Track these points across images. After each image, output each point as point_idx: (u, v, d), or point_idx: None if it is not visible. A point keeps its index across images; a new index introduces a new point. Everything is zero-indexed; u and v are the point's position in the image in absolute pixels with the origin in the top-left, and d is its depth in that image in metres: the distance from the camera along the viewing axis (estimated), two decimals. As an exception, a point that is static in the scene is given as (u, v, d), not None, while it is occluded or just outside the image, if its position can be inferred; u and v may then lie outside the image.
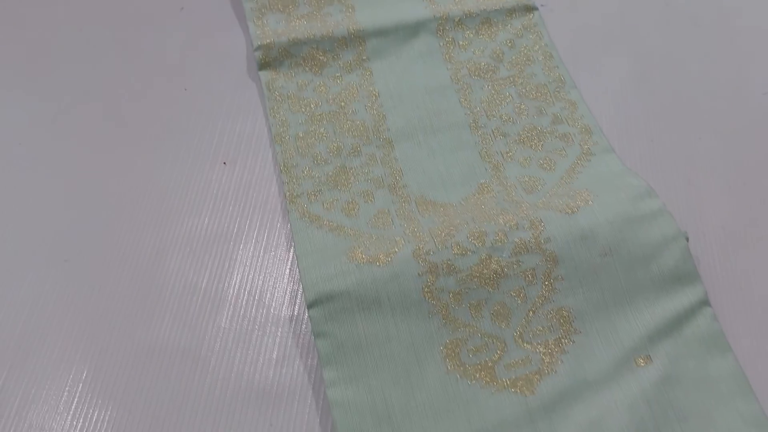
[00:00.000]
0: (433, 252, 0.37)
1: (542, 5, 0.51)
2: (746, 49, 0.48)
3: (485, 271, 0.36)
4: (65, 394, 0.37)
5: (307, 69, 0.48)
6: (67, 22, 0.52)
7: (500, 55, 0.48)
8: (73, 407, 0.36)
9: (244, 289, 0.40)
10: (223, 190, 0.44)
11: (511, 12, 0.49)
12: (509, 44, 0.48)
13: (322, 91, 0.47)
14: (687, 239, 0.37)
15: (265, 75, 0.47)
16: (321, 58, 0.48)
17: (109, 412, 0.36)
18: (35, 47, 0.52)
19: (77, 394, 0.37)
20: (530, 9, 0.50)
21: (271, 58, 0.48)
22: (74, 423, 0.36)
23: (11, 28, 0.53)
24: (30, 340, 0.38)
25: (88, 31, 0.52)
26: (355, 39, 0.48)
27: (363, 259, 0.37)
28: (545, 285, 0.36)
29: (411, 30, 0.49)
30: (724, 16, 0.50)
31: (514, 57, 0.48)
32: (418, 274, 0.36)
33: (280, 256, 0.41)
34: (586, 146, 0.43)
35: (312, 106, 0.46)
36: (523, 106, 0.45)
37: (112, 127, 0.47)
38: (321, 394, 0.36)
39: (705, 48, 0.48)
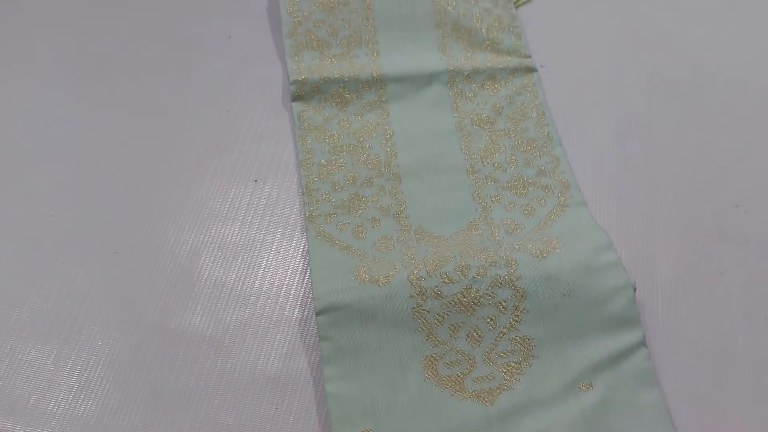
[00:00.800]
0: (424, 278, 0.44)
1: (542, 66, 0.58)
2: (715, 123, 0.55)
3: (465, 299, 0.44)
4: (110, 364, 0.45)
5: (333, 104, 0.55)
6: (129, 41, 0.60)
7: (500, 109, 0.55)
8: (115, 375, 0.44)
9: (264, 292, 0.48)
10: (253, 205, 0.52)
11: (514, 71, 0.57)
12: (509, 100, 0.55)
13: (344, 126, 0.54)
14: (635, 289, 0.45)
15: (297, 106, 0.55)
16: (346, 96, 0.55)
17: (145, 384, 0.44)
18: (98, 59, 0.59)
19: (120, 367, 0.44)
20: (530, 70, 0.57)
21: (303, 92, 0.55)
22: (116, 389, 0.44)
23: (79, 39, 0.60)
24: (83, 319, 0.46)
25: (146, 49, 0.59)
26: (377, 82, 0.56)
27: (366, 278, 0.45)
28: (513, 315, 0.44)
29: (426, 79, 0.56)
30: (699, 91, 0.57)
31: (511, 112, 0.55)
32: (410, 296, 0.44)
33: (296, 266, 0.49)
34: (562, 198, 0.50)
35: (335, 137, 0.54)
36: (514, 157, 0.53)
37: (160, 138, 0.55)
38: (320, 387, 0.44)
39: (678, 118, 0.56)
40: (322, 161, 0.52)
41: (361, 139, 0.54)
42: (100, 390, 0.44)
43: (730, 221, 0.50)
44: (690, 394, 0.44)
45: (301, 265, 0.49)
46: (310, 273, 0.46)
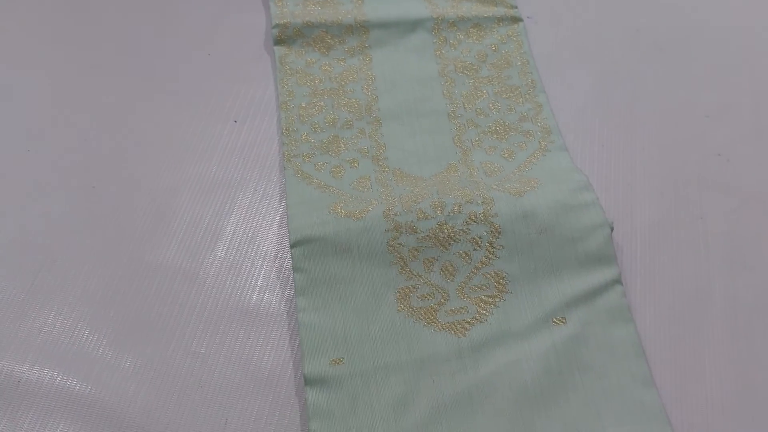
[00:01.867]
0: (400, 214, 0.44)
1: (528, 17, 0.58)
2: (699, 76, 0.55)
3: (440, 234, 0.44)
4: (82, 295, 0.44)
5: (316, 49, 0.55)
6: (113, -16, 0.60)
7: (484, 56, 0.55)
8: (87, 306, 0.44)
9: (240, 228, 0.47)
10: (232, 144, 0.51)
11: (500, 20, 0.56)
12: (493, 48, 0.55)
13: (326, 70, 0.54)
14: (612, 229, 0.44)
15: (279, 50, 0.54)
16: (329, 41, 0.55)
17: (117, 312, 0.44)
18: (83, 3, 0.59)
19: (93, 297, 0.44)
20: (516, 20, 0.57)
21: (285, 36, 0.55)
22: (86, 321, 0.43)
23: (63, -18, 0.60)
24: (58, 250, 0.46)
25: (130, -7, 0.59)
26: (361, 28, 0.55)
27: (342, 213, 0.44)
28: (488, 251, 0.44)
29: (410, 26, 0.56)
30: (684, 45, 0.57)
31: (495, 60, 0.55)
32: (385, 230, 0.44)
33: (273, 205, 0.49)
34: (543, 143, 0.50)
35: (316, 81, 0.53)
36: (496, 103, 0.52)
37: (143, 78, 0.54)
38: (293, 318, 0.44)
39: (663, 71, 0.55)
40: (303, 104, 0.52)
41: (343, 83, 0.53)
42: (71, 318, 0.43)
43: (712, 169, 0.50)
44: (665, 333, 0.43)
45: (277, 204, 0.49)
46: (287, 208, 0.46)
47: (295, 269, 0.43)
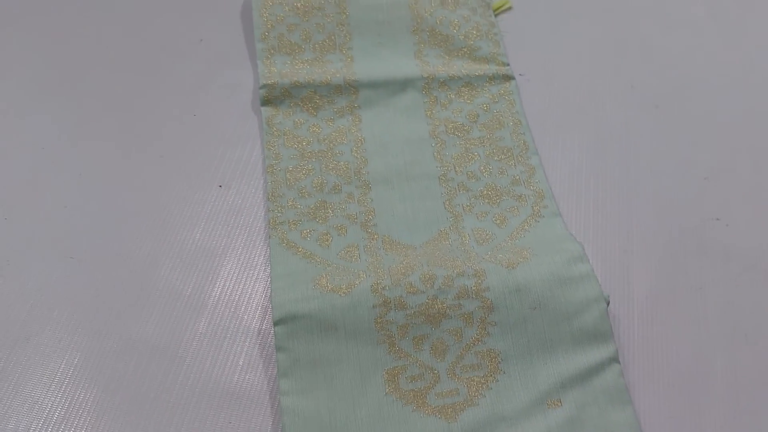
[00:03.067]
0: (388, 288, 0.42)
1: (521, 74, 0.57)
2: (696, 136, 0.54)
3: (430, 310, 0.42)
4: (58, 375, 0.42)
5: (304, 109, 0.54)
6: (97, 42, 0.59)
7: (475, 117, 0.54)
8: (63, 387, 0.42)
9: (222, 301, 0.46)
10: (216, 210, 0.50)
11: (491, 79, 0.55)
12: (485, 108, 0.54)
13: (314, 131, 0.53)
14: (608, 303, 0.43)
15: (266, 111, 0.53)
16: (318, 101, 0.54)
17: (93, 395, 0.42)
18: (67, 60, 0.58)
19: (68, 377, 0.42)
20: (508, 78, 0.56)
21: (273, 97, 0.54)
22: (63, 401, 0.41)
23: (48, 36, 0.59)
24: (33, 325, 0.44)
25: (116, 51, 0.58)
26: (350, 88, 0.54)
27: (327, 287, 0.43)
28: (480, 328, 0.42)
29: (400, 85, 0.55)
30: (680, 103, 0.56)
31: (487, 120, 0.53)
32: (373, 305, 0.42)
33: (257, 275, 0.47)
34: (536, 208, 0.49)
35: (304, 143, 0.52)
36: (488, 166, 0.51)
37: (125, 140, 0.53)
38: (276, 401, 0.42)
39: (659, 130, 0.54)
40: (289, 167, 0.51)
41: (331, 145, 0.52)
42: (45, 400, 0.41)
43: (711, 234, 0.49)
44: (665, 414, 0.41)
45: (262, 274, 0.47)
46: (271, 281, 0.44)
47: (278, 349, 0.41)
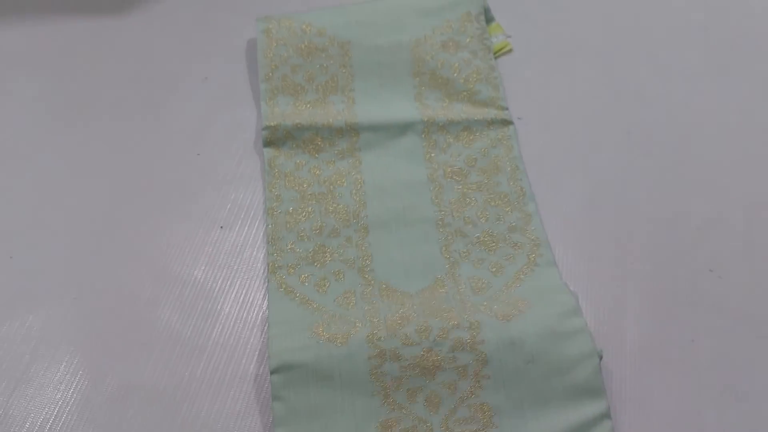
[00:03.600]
0: (384, 339, 0.43)
1: (519, 118, 0.58)
2: (690, 185, 0.54)
3: (425, 362, 0.43)
4: (58, 417, 0.43)
5: (305, 151, 0.54)
6: (103, 81, 0.60)
7: (474, 161, 0.54)
8: (60, 429, 0.43)
9: (221, 344, 0.46)
10: (216, 252, 0.51)
11: (490, 123, 0.56)
12: (483, 153, 0.55)
13: (315, 173, 0.53)
14: (601, 357, 0.43)
15: (268, 152, 0.54)
16: (319, 143, 0.55)
17: (91, 439, 0.42)
18: (72, 99, 0.59)
19: (68, 419, 0.43)
20: (507, 123, 0.56)
21: (275, 138, 0.54)
22: (61, 444, 0.42)
23: (55, 77, 0.60)
24: (35, 366, 0.45)
25: (121, 89, 0.59)
26: (351, 130, 0.55)
27: (324, 336, 0.43)
28: (474, 381, 0.43)
29: (400, 129, 0.55)
30: (676, 151, 0.56)
31: (485, 165, 0.54)
32: (368, 357, 0.43)
33: (255, 318, 0.48)
34: (532, 257, 0.49)
35: (305, 185, 0.53)
36: (485, 212, 0.52)
37: (128, 179, 0.54)
38: (271, 448, 0.42)
39: (654, 178, 0.55)
40: (290, 209, 0.51)
41: (331, 187, 0.53)
42: (43, 444, 0.42)
43: (704, 286, 0.49)
44: (655, 469, 0.42)
45: (260, 317, 0.48)
46: (268, 327, 0.45)
47: (275, 398, 0.42)
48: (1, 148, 0.56)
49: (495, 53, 0.62)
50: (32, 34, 0.62)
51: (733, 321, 0.48)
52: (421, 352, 0.43)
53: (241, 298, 0.49)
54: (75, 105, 0.58)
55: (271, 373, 0.42)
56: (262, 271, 0.50)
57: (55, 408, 0.43)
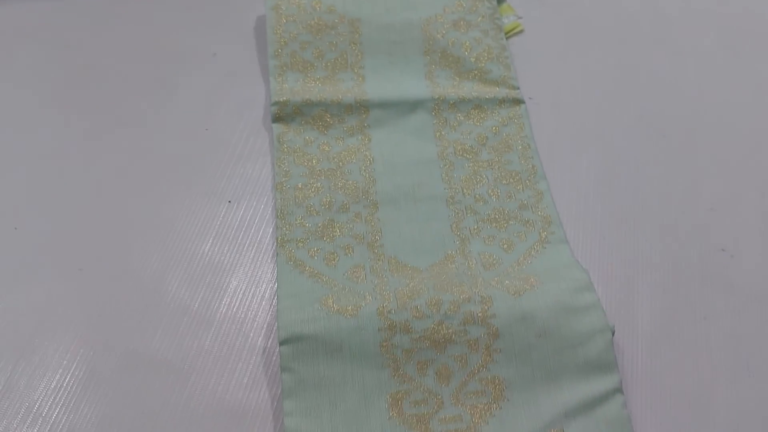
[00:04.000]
0: (395, 312, 0.43)
1: (530, 98, 0.57)
2: (703, 166, 0.54)
3: (436, 335, 0.42)
4: (63, 387, 0.43)
5: (314, 127, 0.54)
6: (111, 53, 0.59)
7: (484, 139, 0.54)
8: (68, 400, 0.42)
9: (229, 317, 0.46)
10: (224, 226, 0.50)
11: (501, 102, 0.56)
12: (494, 131, 0.54)
13: (324, 150, 0.53)
14: (613, 333, 0.43)
15: (277, 128, 0.54)
16: (328, 119, 0.54)
17: (98, 408, 0.42)
18: (79, 71, 0.58)
19: (73, 390, 0.42)
20: (518, 102, 0.56)
21: (284, 114, 0.54)
22: (68, 414, 0.42)
23: (62, 50, 0.60)
24: (40, 337, 0.44)
25: (128, 63, 0.59)
26: (361, 107, 0.55)
27: (333, 308, 0.43)
28: (485, 354, 0.42)
29: (410, 106, 0.55)
30: (688, 134, 0.56)
31: (496, 143, 0.54)
32: (378, 329, 0.42)
33: (264, 292, 0.47)
34: (543, 234, 0.49)
35: (314, 161, 0.52)
36: (496, 189, 0.51)
37: (135, 153, 0.53)
38: (279, 421, 0.42)
39: (667, 159, 0.54)
40: (299, 185, 0.51)
41: (341, 163, 0.52)
42: (50, 415, 0.42)
43: (716, 265, 0.49)
44: (667, 446, 0.42)
45: (269, 291, 0.47)
46: (277, 300, 0.45)
47: (283, 369, 0.41)
48: (8, 120, 0.55)
49: (506, 33, 0.61)
50: (42, 9, 0.62)
51: (746, 299, 0.47)
52: (432, 325, 0.42)
53: (250, 272, 0.48)
54: (83, 78, 0.58)
55: (280, 344, 0.42)
56: (270, 245, 0.49)
57: (60, 378, 0.43)
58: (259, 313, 0.46)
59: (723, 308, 0.47)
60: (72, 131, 0.55)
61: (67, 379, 0.43)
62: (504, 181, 0.52)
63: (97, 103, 0.56)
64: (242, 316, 0.46)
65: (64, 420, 0.41)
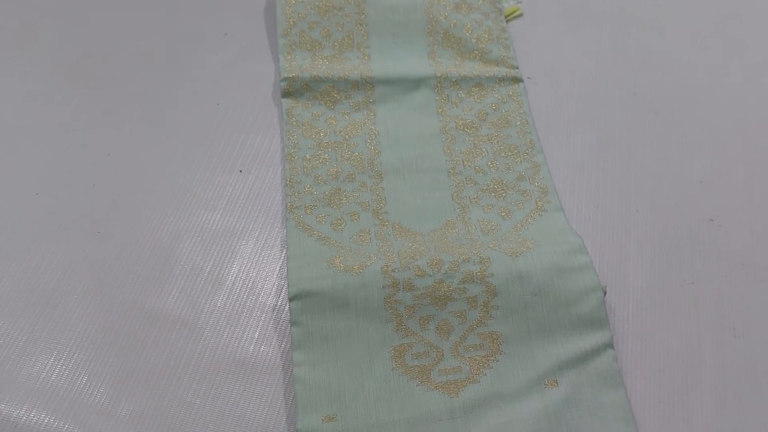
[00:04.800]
0: (398, 270, 0.45)
1: (528, 77, 0.60)
2: (693, 141, 0.57)
3: (437, 292, 0.45)
4: (83, 340, 0.45)
5: (322, 102, 0.56)
6: (128, 32, 0.62)
7: (484, 115, 0.56)
8: (88, 351, 0.45)
9: (240, 278, 0.48)
10: (236, 194, 0.53)
11: (501, 80, 0.58)
12: (494, 107, 0.57)
13: (331, 123, 0.55)
14: (605, 293, 0.45)
15: (286, 102, 0.56)
16: (335, 95, 0.57)
17: (116, 359, 0.44)
18: (97, 48, 0.61)
19: (92, 342, 0.45)
20: (517, 80, 0.58)
21: (293, 89, 0.56)
22: (88, 363, 0.44)
23: (80, 29, 0.62)
24: (61, 293, 0.47)
25: (144, 41, 0.61)
26: (366, 84, 0.57)
27: (341, 267, 0.45)
28: (483, 311, 0.44)
29: (414, 83, 0.57)
30: (679, 111, 0.58)
31: (495, 119, 0.56)
32: (383, 286, 0.44)
33: (274, 255, 0.50)
34: (540, 203, 0.51)
35: (321, 134, 0.55)
36: (495, 162, 0.54)
37: (152, 126, 0.56)
38: (288, 371, 0.44)
39: (659, 135, 0.57)
40: (307, 156, 0.53)
41: (347, 136, 0.55)
42: (70, 364, 0.44)
43: (704, 234, 0.51)
44: (655, 398, 0.44)
45: (278, 254, 0.50)
46: (287, 260, 0.47)
47: (293, 323, 0.44)
48: (31, 93, 0.57)
49: (506, 17, 0.64)
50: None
51: (732, 266, 0.50)
52: (433, 283, 0.45)
53: (260, 237, 0.50)
54: (101, 54, 0.60)
55: (290, 300, 0.44)
56: (279, 212, 0.52)
57: (82, 331, 0.45)
58: (269, 275, 0.49)
59: (710, 273, 0.49)
60: (91, 104, 0.57)
61: (87, 332, 0.45)
62: (503, 154, 0.54)
63: (115, 78, 0.59)
64: (253, 277, 0.49)
65: (85, 369, 0.44)
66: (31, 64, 0.59)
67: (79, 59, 0.60)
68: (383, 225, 0.50)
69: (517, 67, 0.59)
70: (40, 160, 0.54)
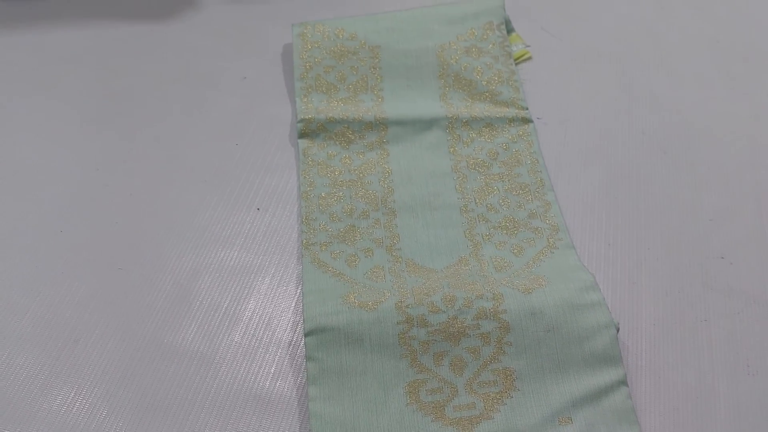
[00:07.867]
0: (412, 306, 0.46)
1: (538, 118, 0.61)
2: (702, 179, 0.57)
3: (450, 328, 0.45)
4: (103, 375, 0.46)
5: (337, 143, 0.58)
6: (149, 77, 0.64)
7: (495, 154, 0.58)
8: (108, 386, 0.45)
9: (257, 314, 0.49)
10: (253, 231, 0.54)
11: (511, 121, 0.60)
12: (504, 147, 0.58)
13: (346, 162, 0.57)
14: (618, 329, 0.46)
15: (302, 143, 0.58)
16: (350, 135, 0.58)
17: (135, 394, 0.45)
18: (119, 92, 0.63)
19: (112, 377, 0.46)
20: (527, 121, 0.60)
21: (309, 130, 0.58)
22: (107, 398, 0.45)
23: (102, 73, 0.65)
24: (82, 329, 0.48)
25: (165, 85, 0.63)
26: (380, 125, 0.59)
27: (355, 303, 0.46)
28: (496, 347, 0.45)
29: (426, 124, 0.59)
30: (688, 150, 0.59)
31: (506, 158, 0.58)
32: (397, 322, 0.45)
33: (290, 291, 0.51)
34: (551, 240, 0.52)
35: (336, 173, 0.56)
36: (506, 200, 0.55)
37: (172, 166, 0.58)
38: (304, 407, 0.45)
39: (668, 173, 0.58)
40: (322, 194, 0.55)
41: (361, 175, 0.56)
42: (90, 398, 0.45)
43: (715, 272, 0.52)
44: (670, 436, 0.44)
45: (294, 290, 0.51)
46: (303, 296, 0.48)
47: (308, 358, 0.44)
48: (55, 136, 0.60)
49: (515, 60, 0.66)
50: (87, 36, 0.67)
51: (744, 303, 0.50)
52: (447, 319, 0.45)
53: (277, 274, 0.51)
54: (124, 99, 0.63)
55: (306, 335, 0.45)
56: (295, 249, 0.53)
57: (102, 367, 0.46)
58: (285, 311, 0.50)
59: (723, 311, 0.50)
60: (114, 146, 0.59)
61: (107, 367, 0.46)
62: (514, 193, 0.55)
63: (136, 121, 0.61)
64: (269, 313, 0.49)
65: (104, 404, 0.45)
66: (56, 107, 0.62)
67: (101, 102, 0.62)
68: (397, 261, 0.51)
69: (527, 108, 0.61)
70: (64, 199, 0.55)
